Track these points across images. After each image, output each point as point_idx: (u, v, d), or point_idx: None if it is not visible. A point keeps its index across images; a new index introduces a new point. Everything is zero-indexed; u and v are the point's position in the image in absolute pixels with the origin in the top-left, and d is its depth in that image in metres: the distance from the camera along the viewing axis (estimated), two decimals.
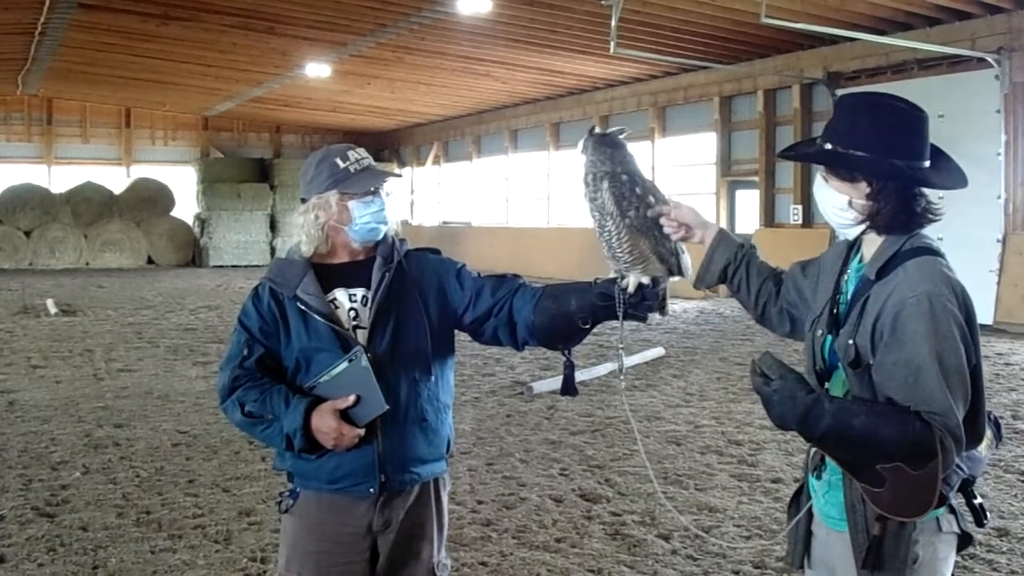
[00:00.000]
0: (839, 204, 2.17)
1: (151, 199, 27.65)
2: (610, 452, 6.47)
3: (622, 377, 2.85)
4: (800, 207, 16.55)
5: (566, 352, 2.63)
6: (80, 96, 27.65)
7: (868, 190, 2.14)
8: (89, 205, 26.84)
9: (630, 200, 2.29)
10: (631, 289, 2.32)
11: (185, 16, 16.87)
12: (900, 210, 2.12)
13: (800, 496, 2.35)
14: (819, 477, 2.23)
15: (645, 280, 2.31)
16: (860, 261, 2.23)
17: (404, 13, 15.79)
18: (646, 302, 2.33)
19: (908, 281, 2.04)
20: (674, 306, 14.11)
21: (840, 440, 1.99)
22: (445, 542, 2.73)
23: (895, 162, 2.11)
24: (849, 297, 2.20)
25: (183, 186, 28.45)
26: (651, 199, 2.31)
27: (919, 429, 1.94)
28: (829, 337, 2.19)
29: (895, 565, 2.06)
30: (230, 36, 18.27)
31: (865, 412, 1.99)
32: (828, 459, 2.17)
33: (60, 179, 27.76)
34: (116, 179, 28.18)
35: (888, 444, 1.95)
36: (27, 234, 26.18)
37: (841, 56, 15.49)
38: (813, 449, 2.22)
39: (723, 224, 18.21)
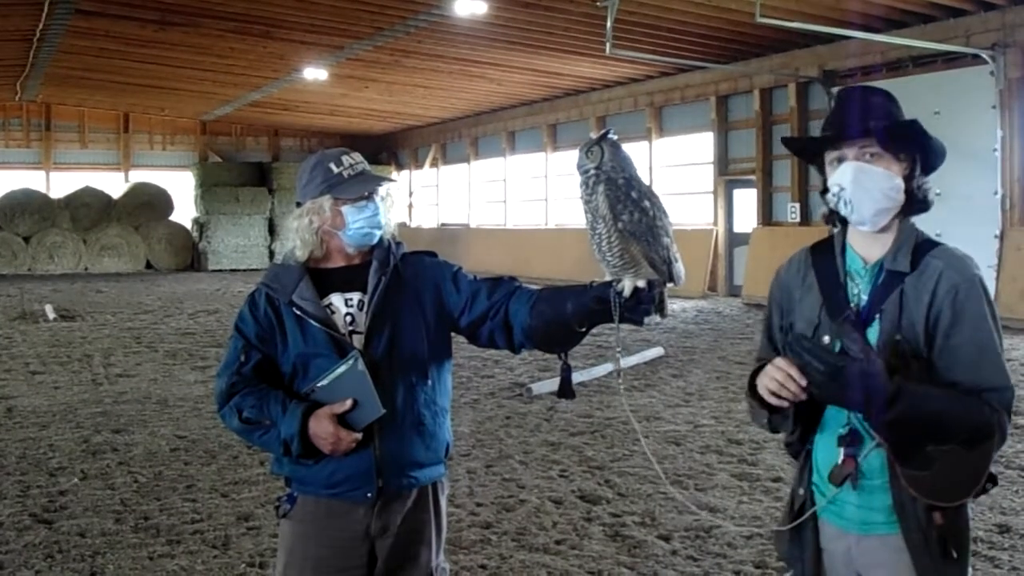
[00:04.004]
0: (892, 186, 2.12)
1: (150, 204, 27.66)
2: (610, 453, 6.46)
3: (620, 382, 2.84)
4: (798, 205, 16.56)
5: (563, 355, 2.63)
6: (78, 101, 27.66)
7: (908, 171, 2.14)
8: (88, 210, 26.84)
9: (624, 204, 2.28)
10: (627, 293, 2.30)
11: (183, 21, 16.87)
12: (925, 192, 2.15)
13: (803, 514, 2.25)
14: (855, 487, 2.13)
15: (641, 284, 2.29)
16: (866, 263, 2.18)
17: (401, 16, 15.80)
18: (642, 306, 2.31)
19: (952, 268, 2.07)
20: (672, 306, 14.09)
21: (909, 425, 1.98)
22: (444, 546, 2.72)
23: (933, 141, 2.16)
24: (865, 298, 2.15)
25: (181, 190, 28.46)
26: (646, 204, 2.30)
27: (982, 410, 1.99)
28: (838, 342, 2.13)
29: (963, 553, 2.06)
30: (227, 41, 18.28)
31: (936, 396, 2.00)
32: (864, 465, 2.11)
33: (59, 184, 27.77)
34: (114, 184, 28.18)
35: (954, 426, 1.97)
36: (26, 240, 26.18)
37: (837, 54, 15.49)
38: (840, 460, 2.14)
39: (721, 223, 18.36)
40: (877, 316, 2.11)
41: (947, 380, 2.03)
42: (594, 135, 2.40)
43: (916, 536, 2.04)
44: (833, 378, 1.98)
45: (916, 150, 2.15)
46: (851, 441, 2.12)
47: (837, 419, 2.16)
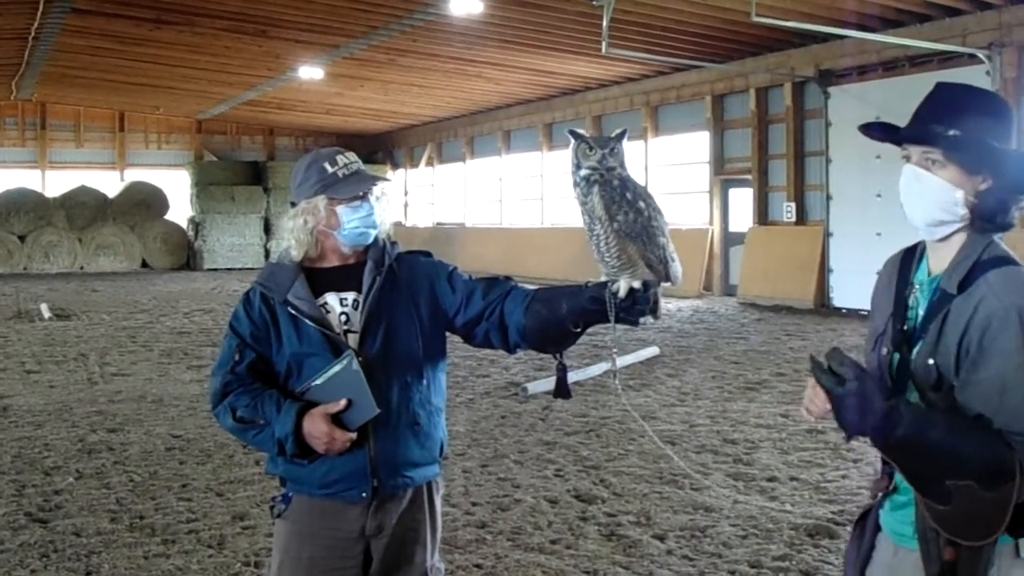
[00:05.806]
0: (950, 199, 1.95)
1: (145, 203, 27.61)
2: (605, 452, 6.47)
3: (617, 383, 2.84)
4: (793, 205, 16.57)
5: (558, 355, 2.62)
6: (74, 100, 27.61)
7: (984, 186, 1.95)
8: (83, 209, 26.80)
9: (620, 204, 2.27)
10: (622, 294, 2.29)
11: (178, 20, 16.85)
12: (1001, 210, 1.97)
13: (866, 517, 2.19)
14: (887, 497, 2.08)
15: (636, 284, 2.28)
16: (930, 274, 2.06)
17: (396, 15, 15.79)
18: (637, 306, 2.30)
19: (994, 294, 1.89)
20: (668, 305, 14.10)
21: (913, 451, 1.86)
22: (439, 545, 2.72)
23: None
24: (921, 313, 2.03)
25: (177, 189, 28.40)
26: (641, 204, 2.29)
27: (1001, 448, 1.82)
28: (896, 355, 2.04)
29: None
30: (223, 40, 18.27)
31: (943, 424, 1.86)
32: (898, 478, 2.03)
33: (54, 183, 27.71)
34: (110, 183, 28.13)
35: (965, 460, 1.83)
36: (21, 239, 26.13)
37: (832, 54, 15.51)
38: (880, 474, 2.09)
39: (717, 223, 18.36)
40: (923, 336, 1.99)
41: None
42: (580, 133, 2.38)
43: (934, 568, 1.94)
44: (837, 401, 1.89)
45: (990, 167, 1.95)
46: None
47: None
